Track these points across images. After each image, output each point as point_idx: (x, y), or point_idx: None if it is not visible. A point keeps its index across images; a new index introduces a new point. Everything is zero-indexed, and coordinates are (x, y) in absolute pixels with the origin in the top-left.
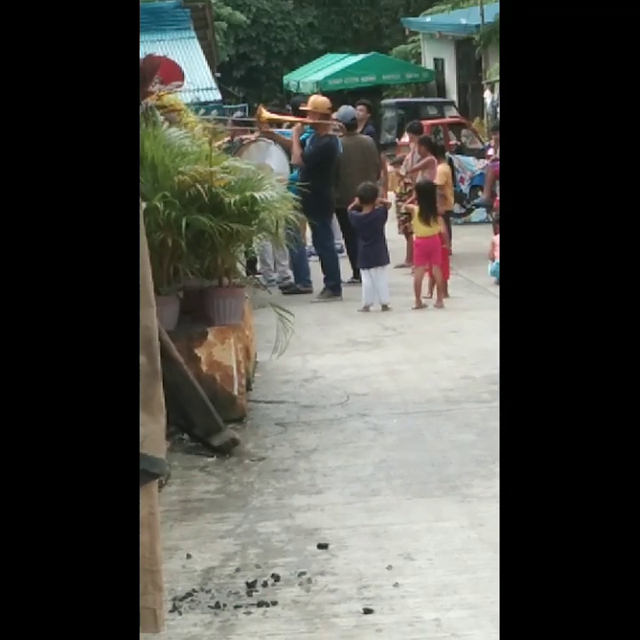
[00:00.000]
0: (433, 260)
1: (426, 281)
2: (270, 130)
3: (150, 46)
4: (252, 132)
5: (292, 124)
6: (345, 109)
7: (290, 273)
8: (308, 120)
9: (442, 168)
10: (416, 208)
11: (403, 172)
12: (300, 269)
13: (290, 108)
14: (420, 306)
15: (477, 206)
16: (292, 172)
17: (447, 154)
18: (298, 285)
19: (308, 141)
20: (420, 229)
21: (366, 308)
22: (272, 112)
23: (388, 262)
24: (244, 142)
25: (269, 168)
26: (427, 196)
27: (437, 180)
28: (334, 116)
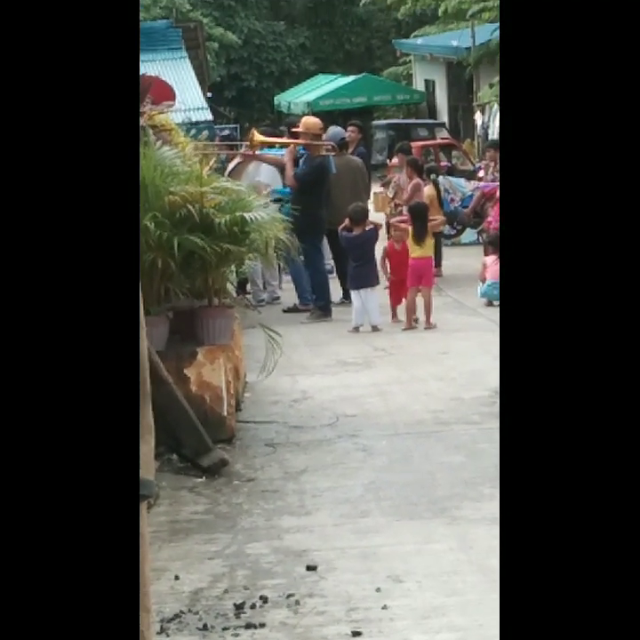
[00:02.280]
0: (424, 282)
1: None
2: (256, 153)
3: (142, 66)
4: (238, 149)
5: (284, 145)
6: (333, 130)
7: (279, 293)
8: (300, 141)
9: (427, 190)
10: (410, 228)
11: (391, 194)
12: (298, 287)
13: (285, 128)
14: (410, 327)
15: (454, 218)
16: (284, 186)
17: (432, 176)
18: (296, 304)
19: (301, 162)
20: (413, 250)
21: (356, 329)
22: (264, 134)
23: (378, 283)
24: (240, 163)
25: (264, 185)
26: (420, 216)
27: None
28: (323, 137)
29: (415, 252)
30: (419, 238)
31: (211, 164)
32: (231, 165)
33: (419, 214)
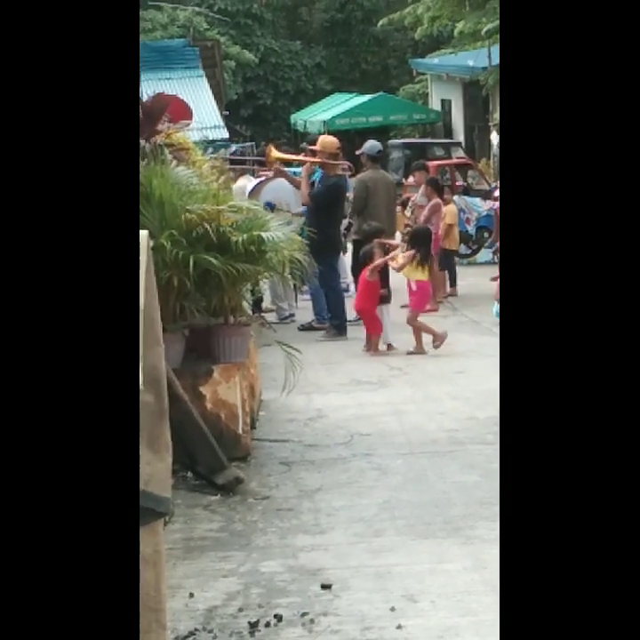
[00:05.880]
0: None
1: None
2: (282, 169)
3: (159, 84)
4: (256, 170)
5: (301, 162)
6: (371, 142)
7: (295, 311)
8: (316, 160)
9: (450, 208)
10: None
11: (408, 214)
12: (317, 305)
13: (306, 145)
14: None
15: (487, 247)
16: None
17: (451, 196)
18: (312, 322)
19: (317, 181)
20: (413, 274)
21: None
22: (281, 151)
23: (389, 302)
24: (262, 181)
25: (285, 204)
26: (421, 241)
27: (448, 220)
28: (360, 150)
29: (417, 274)
30: (421, 262)
31: (224, 180)
32: (253, 183)
33: (420, 238)
